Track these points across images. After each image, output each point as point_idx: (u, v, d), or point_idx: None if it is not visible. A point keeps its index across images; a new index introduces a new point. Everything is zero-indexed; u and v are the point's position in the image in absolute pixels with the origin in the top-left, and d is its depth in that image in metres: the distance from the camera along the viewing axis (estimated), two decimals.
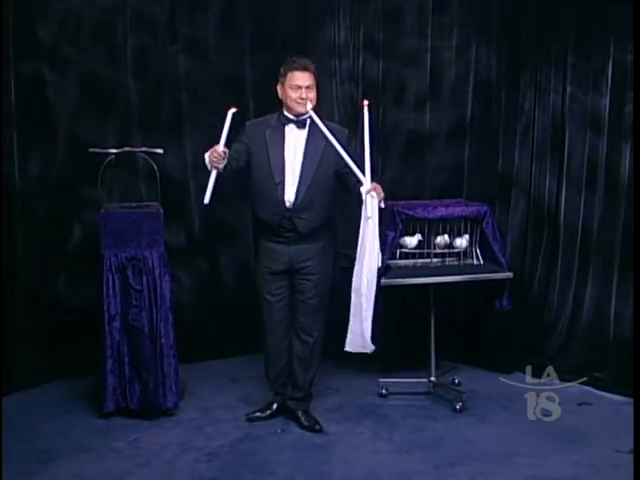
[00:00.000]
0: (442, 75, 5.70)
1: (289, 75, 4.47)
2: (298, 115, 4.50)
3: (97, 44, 5.34)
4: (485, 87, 5.64)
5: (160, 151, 5.01)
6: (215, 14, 5.65)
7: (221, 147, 4.25)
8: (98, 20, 5.32)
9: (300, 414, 4.69)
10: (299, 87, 4.45)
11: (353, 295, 4.38)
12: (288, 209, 4.47)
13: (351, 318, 4.38)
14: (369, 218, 4.29)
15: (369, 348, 4.39)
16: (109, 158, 4.97)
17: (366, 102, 4.49)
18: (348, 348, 4.43)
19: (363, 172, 4.33)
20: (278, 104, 4.58)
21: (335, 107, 5.81)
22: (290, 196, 4.47)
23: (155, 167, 4.96)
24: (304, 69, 4.47)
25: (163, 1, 5.50)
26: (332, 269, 4.70)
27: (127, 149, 5.08)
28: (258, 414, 4.76)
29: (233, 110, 4.27)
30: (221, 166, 4.29)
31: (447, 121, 5.74)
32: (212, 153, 4.26)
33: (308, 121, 4.50)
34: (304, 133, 4.50)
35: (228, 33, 5.69)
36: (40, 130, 5.25)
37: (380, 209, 4.55)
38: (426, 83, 5.71)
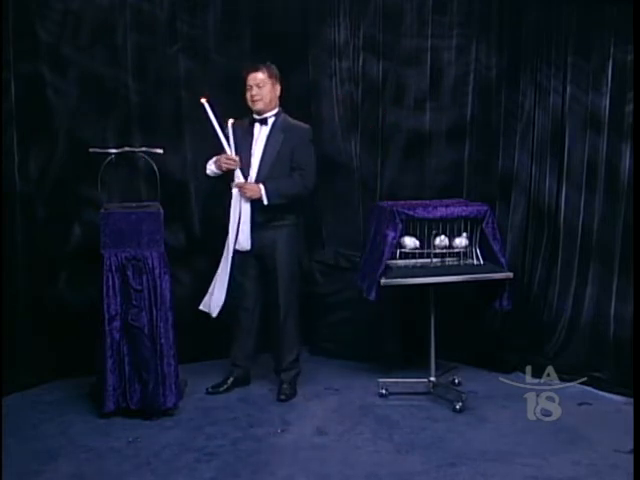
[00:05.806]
0: (442, 75, 5.70)
1: (246, 79, 4.91)
2: (259, 113, 4.92)
3: (97, 44, 5.34)
4: (485, 87, 5.65)
5: (160, 151, 5.01)
6: (215, 14, 5.66)
7: (233, 154, 4.84)
8: (98, 20, 5.33)
9: (284, 384, 5.04)
10: (251, 86, 4.89)
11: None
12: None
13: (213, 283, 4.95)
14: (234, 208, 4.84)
15: (213, 312, 4.92)
16: (109, 158, 4.97)
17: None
18: (201, 307, 4.98)
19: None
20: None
21: (335, 107, 5.82)
22: None
23: (155, 167, 4.96)
24: (254, 70, 4.89)
25: (163, 1, 5.50)
26: (300, 255, 5.20)
27: (127, 149, 5.08)
28: (217, 388, 5.10)
29: (204, 100, 4.74)
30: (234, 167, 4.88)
31: (447, 121, 5.74)
32: (226, 162, 4.84)
33: (272, 118, 4.93)
34: (266, 130, 4.93)
35: (228, 33, 5.69)
36: (40, 130, 5.25)
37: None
38: (426, 83, 5.72)
